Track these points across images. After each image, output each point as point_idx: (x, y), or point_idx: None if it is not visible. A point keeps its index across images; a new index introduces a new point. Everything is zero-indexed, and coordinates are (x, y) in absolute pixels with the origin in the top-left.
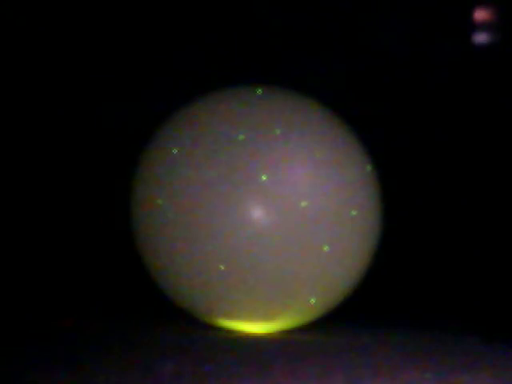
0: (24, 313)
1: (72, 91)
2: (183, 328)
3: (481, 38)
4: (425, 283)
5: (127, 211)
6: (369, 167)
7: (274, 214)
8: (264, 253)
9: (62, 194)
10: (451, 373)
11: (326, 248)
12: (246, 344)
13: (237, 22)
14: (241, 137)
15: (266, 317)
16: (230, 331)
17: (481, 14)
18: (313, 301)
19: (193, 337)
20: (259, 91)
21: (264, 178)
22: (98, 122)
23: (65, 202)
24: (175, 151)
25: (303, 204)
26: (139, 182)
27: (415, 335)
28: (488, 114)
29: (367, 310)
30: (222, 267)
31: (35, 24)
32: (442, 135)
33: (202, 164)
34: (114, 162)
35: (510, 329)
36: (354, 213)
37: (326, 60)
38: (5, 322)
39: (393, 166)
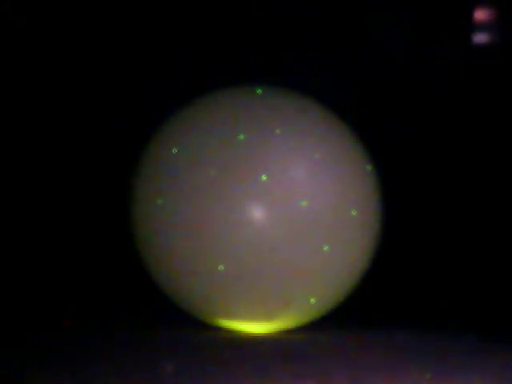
0: (24, 313)
1: (72, 91)
2: (183, 328)
3: (481, 38)
4: (425, 283)
5: (127, 211)
6: (369, 167)
7: (274, 213)
8: (264, 253)
9: (61, 194)
10: (451, 373)
11: (325, 248)
12: (245, 344)
13: (237, 22)
14: (241, 137)
15: (265, 317)
16: (229, 331)
17: (481, 14)
18: (313, 301)
19: (193, 337)
20: (259, 91)
21: (264, 178)
22: (98, 121)
23: (65, 202)
24: (175, 151)
25: (303, 204)
26: (139, 182)
27: (415, 335)
28: (488, 114)
29: (367, 309)
30: (222, 267)
31: (35, 24)
32: (441, 135)
33: (201, 164)
34: (114, 162)
35: (510, 328)
36: (353, 213)
37: (326, 60)
38: (5, 322)
39: (393, 165)
